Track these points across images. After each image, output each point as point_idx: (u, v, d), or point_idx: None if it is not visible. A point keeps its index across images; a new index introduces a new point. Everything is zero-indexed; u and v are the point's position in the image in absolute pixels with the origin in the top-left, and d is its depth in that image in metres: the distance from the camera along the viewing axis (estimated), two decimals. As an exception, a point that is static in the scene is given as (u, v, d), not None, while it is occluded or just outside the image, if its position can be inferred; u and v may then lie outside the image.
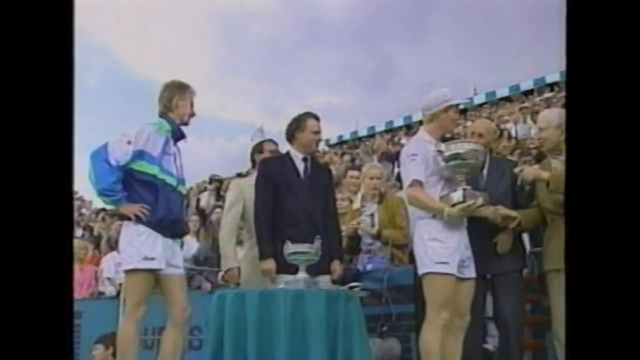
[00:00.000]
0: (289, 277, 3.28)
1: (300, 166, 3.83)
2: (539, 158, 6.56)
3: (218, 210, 7.56)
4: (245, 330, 2.78)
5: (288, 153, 3.92)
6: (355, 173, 5.72)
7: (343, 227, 4.75)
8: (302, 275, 3.14)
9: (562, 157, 3.46)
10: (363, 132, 32.81)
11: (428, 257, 3.19)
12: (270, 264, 3.52)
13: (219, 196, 11.28)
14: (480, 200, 3.23)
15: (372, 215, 4.59)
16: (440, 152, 3.31)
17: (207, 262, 6.47)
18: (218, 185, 11.75)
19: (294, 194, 3.73)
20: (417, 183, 3.29)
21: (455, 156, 3.27)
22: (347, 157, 13.39)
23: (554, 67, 33.45)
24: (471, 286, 3.33)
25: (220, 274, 5.66)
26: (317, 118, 3.89)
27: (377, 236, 4.45)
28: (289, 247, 3.16)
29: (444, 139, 3.54)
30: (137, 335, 3.38)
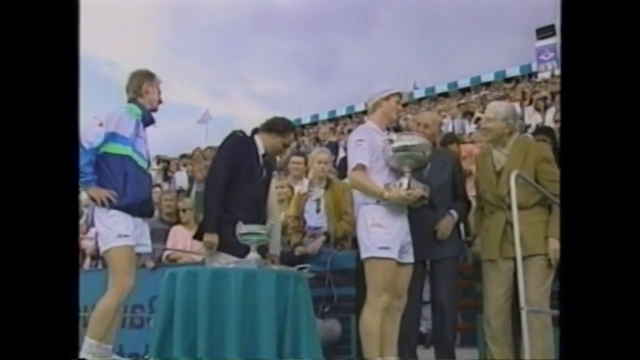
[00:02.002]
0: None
1: (260, 152, 3.87)
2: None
3: (156, 189, 7.42)
4: (196, 308, 2.75)
5: (252, 136, 3.93)
6: (298, 159, 5.72)
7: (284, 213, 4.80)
8: (253, 255, 3.13)
9: (505, 150, 3.57)
10: (307, 120, 32.84)
11: (371, 241, 3.25)
12: (214, 237, 3.53)
13: (166, 176, 11.13)
14: (420, 192, 3.29)
15: (318, 200, 4.61)
16: (390, 141, 3.36)
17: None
18: (165, 166, 11.57)
19: (252, 180, 3.75)
20: (360, 167, 3.34)
21: (404, 148, 3.32)
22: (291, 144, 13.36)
23: (490, 67, 34.68)
24: (409, 270, 3.42)
25: (166, 253, 5.59)
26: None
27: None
28: (242, 228, 3.14)
29: (395, 129, 3.60)
30: (118, 309, 3.40)
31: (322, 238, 4.42)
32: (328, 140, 10.64)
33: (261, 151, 3.87)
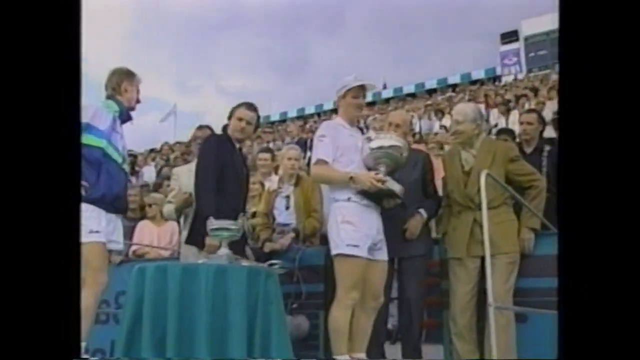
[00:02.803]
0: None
1: (237, 146, 3.84)
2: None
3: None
4: (166, 303, 2.69)
5: (229, 138, 3.85)
6: (265, 155, 5.69)
7: (254, 208, 4.77)
8: (224, 250, 3.08)
9: (474, 151, 3.62)
10: (275, 117, 32.83)
11: (340, 239, 3.22)
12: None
13: (133, 171, 10.96)
14: (390, 185, 3.24)
15: (287, 197, 4.59)
16: (368, 139, 3.34)
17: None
18: (133, 160, 11.38)
19: (236, 177, 3.72)
20: (321, 162, 3.32)
21: (381, 147, 3.29)
22: (259, 141, 13.33)
23: (456, 69, 35.27)
24: (384, 268, 3.40)
25: (133, 248, 5.50)
26: (249, 108, 3.83)
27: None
28: (213, 223, 3.09)
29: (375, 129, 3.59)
30: (94, 306, 3.35)
31: (291, 235, 4.39)
32: (298, 137, 10.60)
33: (238, 145, 3.84)
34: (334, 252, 3.28)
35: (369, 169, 3.33)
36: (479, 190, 3.27)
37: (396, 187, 3.28)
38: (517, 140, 5.35)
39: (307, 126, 17.60)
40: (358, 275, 3.22)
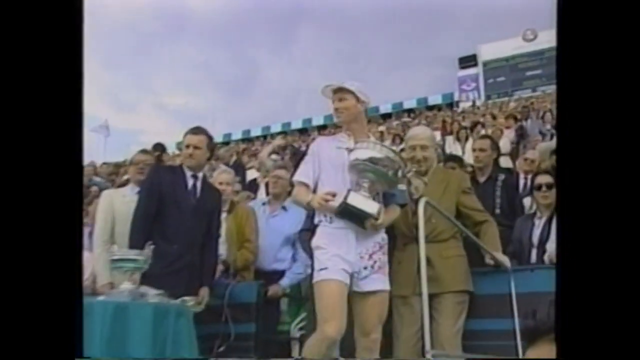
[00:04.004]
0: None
1: (190, 182, 3.85)
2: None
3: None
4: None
5: (181, 166, 3.96)
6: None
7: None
8: (126, 285, 2.85)
9: (425, 179, 3.53)
10: (218, 139, 32.62)
11: (314, 267, 3.06)
12: None
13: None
14: (361, 205, 2.98)
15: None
16: (348, 150, 3.07)
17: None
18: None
19: (178, 208, 3.74)
20: (298, 184, 3.25)
21: (358, 159, 3.00)
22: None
23: (412, 94, 36.04)
24: (375, 302, 3.08)
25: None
26: (195, 132, 3.91)
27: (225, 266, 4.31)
28: (115, 253, 2.87)
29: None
30: None
31: (220, 267, 4.21)
32: (233, 160, 10.42)
33: (189, 172, 3.86)
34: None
35: (358, 185, 3.06)
36: (427, 220, 3.17)
37: (370, 206, 2.99)
38: (469, 169, 5.35)
39: (252, 149, 17.45)
40: (334, 304, 2.92)
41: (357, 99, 3.21)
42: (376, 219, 3.01)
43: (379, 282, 3.10)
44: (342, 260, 3.00)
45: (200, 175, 3.92)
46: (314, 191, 3.17)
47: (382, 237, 3.17)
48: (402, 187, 3.28)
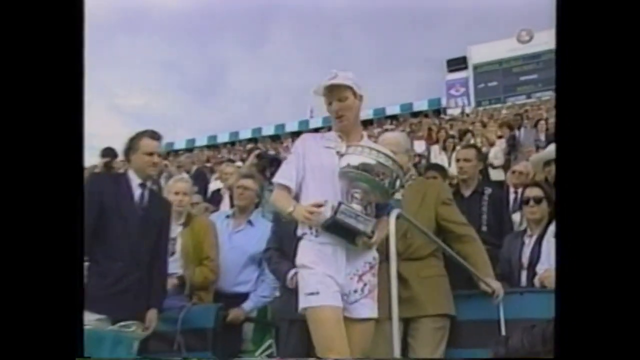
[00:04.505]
0: None
1: (137, 192, 3.76)
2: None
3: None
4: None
5: (125, 174, 3.87)
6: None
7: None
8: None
9: (401, 190, 3.52)
10: (181, 145, 32.52)
11: (300, 288, 2.87)
12: None
13: None
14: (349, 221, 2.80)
15: (174, 239, 4.33)
16: (339, 154, 2.91)
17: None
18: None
19: (122, 221, 3.65)
20: (278, 187, 2.99)
21: (349, 166, 2.85)
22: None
23: (396, 99, 36.27)
24: (361, 329, 2.93)
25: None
26: (155, 137, 3.83)
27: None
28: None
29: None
30: None
31: (175, 282, 4.14)
32: (195, 168, 10.38)
33: (136, 181, 3.77)
34: (299, 307, 2.89)
35: (349, 194, 2.91)
36: (403, 235, 3.15)
37: (363, 222, 2.82)
38: (454, 181, 5.36)
39: (219, 156, 17.35)
40: (332, 332, 2.76)
41: (355, 95, 3.01)
42: (370, 237, 2.86)
43: (368, 308, 2.95)
44: (334, 282, 2.83)
45: (148, 184, 3.87)
46: (297, 197, 2.99)
47: (373, 255, 3.00)
48: (399, 197, 3.24)
